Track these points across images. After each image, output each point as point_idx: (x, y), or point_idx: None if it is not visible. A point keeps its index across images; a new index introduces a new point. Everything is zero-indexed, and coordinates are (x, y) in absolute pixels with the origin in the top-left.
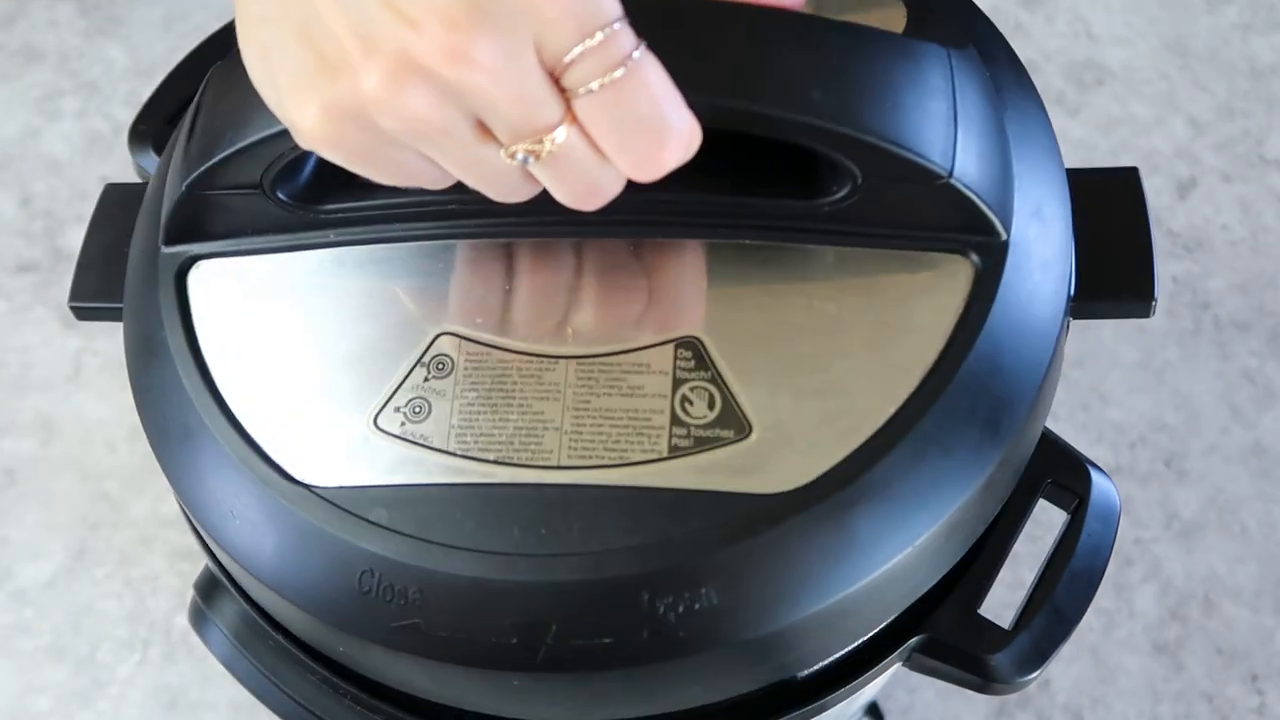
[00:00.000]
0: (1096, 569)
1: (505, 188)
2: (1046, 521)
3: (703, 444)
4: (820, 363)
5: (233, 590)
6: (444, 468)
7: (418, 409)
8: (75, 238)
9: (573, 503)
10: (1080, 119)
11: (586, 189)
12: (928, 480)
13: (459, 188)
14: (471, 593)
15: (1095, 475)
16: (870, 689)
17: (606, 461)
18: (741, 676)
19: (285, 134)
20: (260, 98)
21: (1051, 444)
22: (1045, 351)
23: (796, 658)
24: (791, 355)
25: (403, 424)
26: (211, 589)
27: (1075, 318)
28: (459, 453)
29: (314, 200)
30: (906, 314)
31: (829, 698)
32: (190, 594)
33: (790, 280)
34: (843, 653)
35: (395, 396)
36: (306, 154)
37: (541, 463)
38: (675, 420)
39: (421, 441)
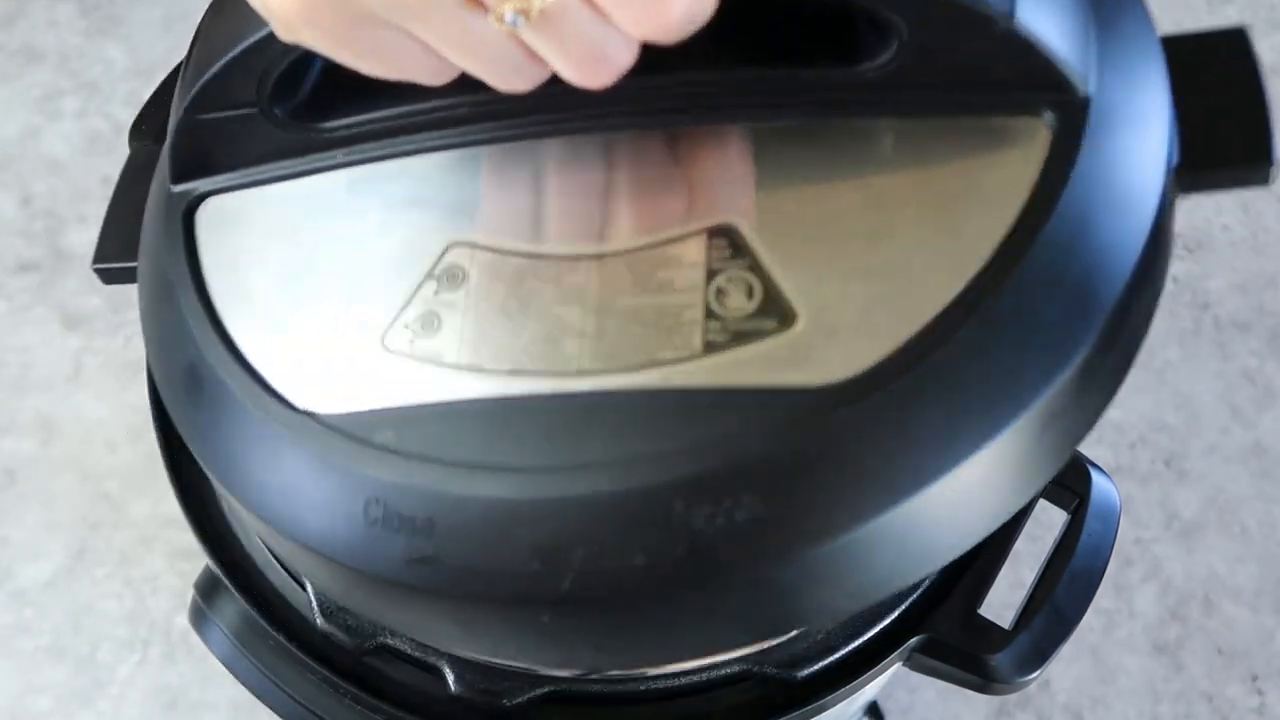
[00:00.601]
0: (1096, 569)
1: (505, 67)
2: (1046, 521)
3: (741, 338)
4: (874, 241)
5: (233, 590)
6: (456, 383)
7: (428, 324)
8: (76, 238)
9: (596, 410)
10: None
11: (591, 56)
12: (1006, 364)
13: (465, 89)
14: (486, 515)
15: (1095, 475)
16: (870, 689)
17: (633, 364)
18: (794, 608)
19: (276, 37)
20: (252, 9)
21: None
22: (1143, 220)
23: (860, 586)
24: (841, 236)
25: (412, 341)
26: (212, 589)
27: (1184, 191)
28: (472, 366)
29: (316, 117)
30: (973, 185)
31: (829, 698)
32: (190, 594)
33: (835, 160)
34: (843, 652)
35: (404, 313)
36: (303, 63)
37: (562, 370)
38: (709, 314)
39: (432, 358)
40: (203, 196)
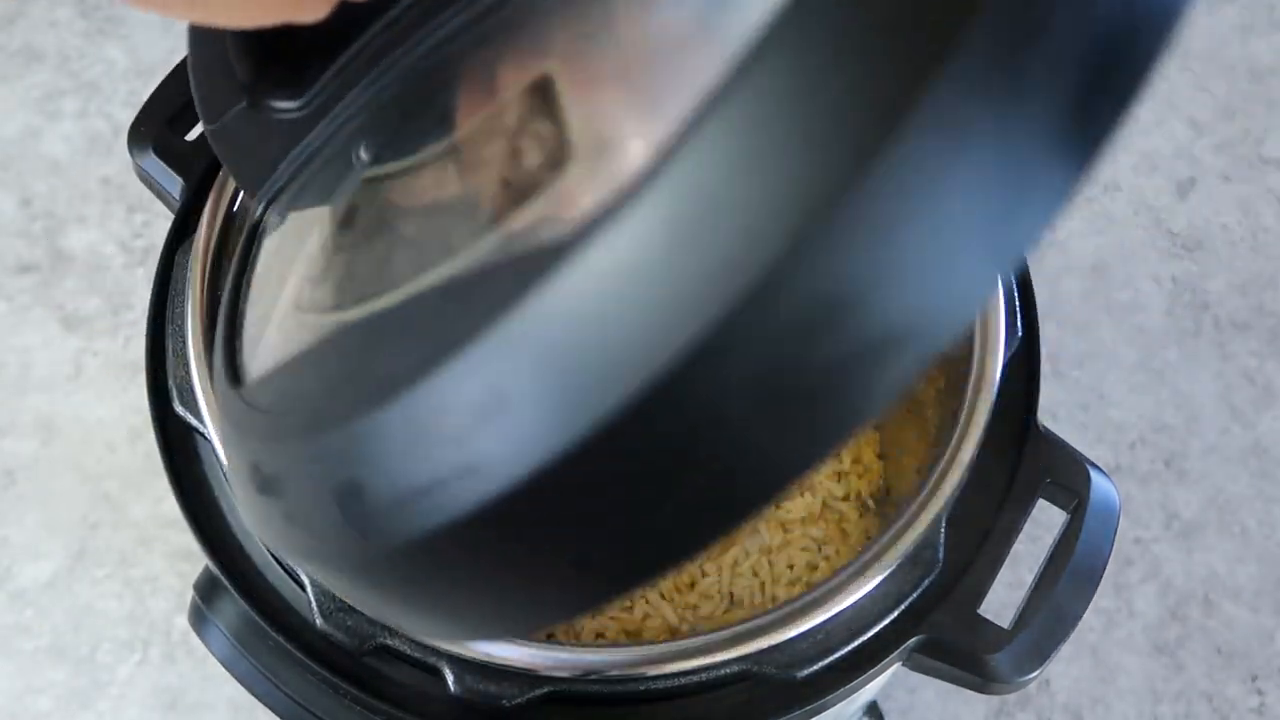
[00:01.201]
0: (1096, 569)
1: None
2: (1046, 521)
3: (520, 199)
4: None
5: (232, 590)
6: (320, 328)
7: (321, 274)
8: (75, 238)
9: (387, 329)
10: None
11: None
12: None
13: (372, 15)
14: (296, 466)
15: (1095, 475)
16: (870, 689)
17: (435, 262)
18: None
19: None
20: None
21: (1051, 443)
22: None
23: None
24: (673, 49)
25: (310, 294)
26: (211, 589)
27: None
28: (335, 306)
29: (292, 94)
30: None
31: (829, 698)
32: (190, 594)
33: None
34: (843, 652)
35: (311, 267)
36: (247, 41)
37: (385, 289)
38: (505, 184)
39: (315, 308)
40: (269, 204)
